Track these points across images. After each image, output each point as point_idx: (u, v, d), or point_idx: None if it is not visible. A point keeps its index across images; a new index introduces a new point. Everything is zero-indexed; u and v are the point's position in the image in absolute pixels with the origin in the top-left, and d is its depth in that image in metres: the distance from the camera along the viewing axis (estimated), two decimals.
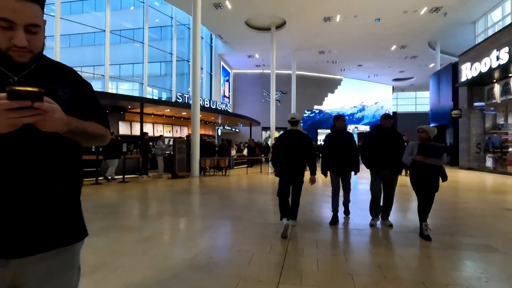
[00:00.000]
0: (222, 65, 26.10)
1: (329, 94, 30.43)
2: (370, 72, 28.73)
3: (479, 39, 16.79)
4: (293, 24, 18.22)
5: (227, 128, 23.37)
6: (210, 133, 19.37)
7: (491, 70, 11.69)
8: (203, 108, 14.87)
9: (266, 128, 23.75)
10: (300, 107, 28.16)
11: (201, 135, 15.73)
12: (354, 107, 31.60)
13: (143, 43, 17.68)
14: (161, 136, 10.30)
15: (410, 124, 33.78)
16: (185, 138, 10.91)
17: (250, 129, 19.99)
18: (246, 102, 28.42)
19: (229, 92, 28.17)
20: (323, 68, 27.57)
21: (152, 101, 12.40)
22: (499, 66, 11.10)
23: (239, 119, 18.03)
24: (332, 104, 30.42)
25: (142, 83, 17.35)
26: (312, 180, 3.88)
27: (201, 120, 19.74)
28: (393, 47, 21.56)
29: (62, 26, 13.41)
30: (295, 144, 3.77)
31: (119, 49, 18.44)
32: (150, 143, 10.43)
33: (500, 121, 14.22)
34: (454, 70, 17.20)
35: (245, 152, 14.69)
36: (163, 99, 18.23)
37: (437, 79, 19.42)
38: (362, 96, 31.87)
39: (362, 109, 31.98)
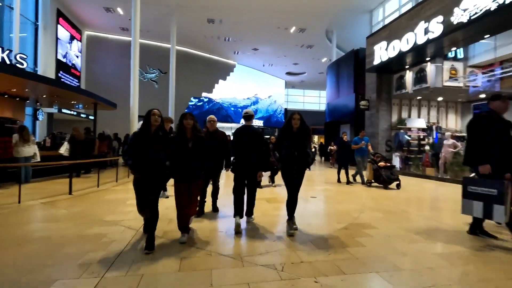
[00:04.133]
0: (61, 17, 17.11)
1: (221, 81, 25.78)
2: (266, 60, 25.81)
3: (375, 30, 15.52)
4: None
5: (66, 112, 14.92)
6: (17, 117, 10.93)
7: (416, 48, 9.39)
8: None
9: (141, 117, 16.59)
10: (184, 92, 22.26)
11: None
12: (248, 98, 28.19)
13: None
14: None
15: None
16: None
17: (94, 113, 12.41)
18: (108, 80, 20.20)
19: (80, 62, 19.22)
20: (213, 46, 22.56)
21: None
22: (429, 40, 8.78)
23: (67, 91, 10.22)
24: (223, 93, 25.91)
25: None
26: (259, 175, 3.88)
27: None
28: (293, 29, 18.74)
29: None
30: (251, 139, 3.75)
31: None
32: None
33: (405, 115, 12.87)
34: (356, 58, 15.42)
35: (64, 149, 7.82)
36: None
37: (336, 69, 17.58)
38: (256, 87, 28.84)
39: (256, 102, 28.98)
